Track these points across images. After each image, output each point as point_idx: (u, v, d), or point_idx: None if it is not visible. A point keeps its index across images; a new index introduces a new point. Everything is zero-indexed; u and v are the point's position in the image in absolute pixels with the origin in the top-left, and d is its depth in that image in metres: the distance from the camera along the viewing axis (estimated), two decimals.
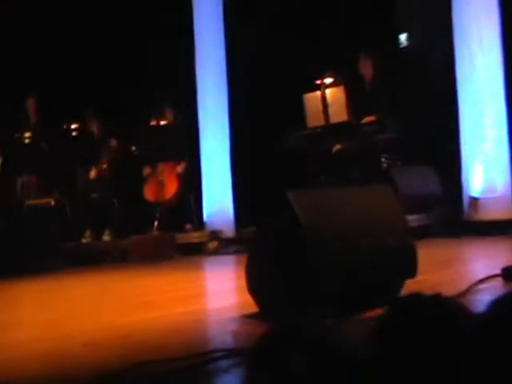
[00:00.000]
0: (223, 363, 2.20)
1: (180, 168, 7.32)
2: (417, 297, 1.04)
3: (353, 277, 2.78)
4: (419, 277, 2.85)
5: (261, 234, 3.10)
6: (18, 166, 7.17)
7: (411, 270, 2.83)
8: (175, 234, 6.86)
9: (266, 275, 2.87)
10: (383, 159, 6.23)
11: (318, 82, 6.21)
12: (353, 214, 2.90)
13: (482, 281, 3.09)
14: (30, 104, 7.58)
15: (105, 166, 7.38)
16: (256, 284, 2.89)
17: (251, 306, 2.86)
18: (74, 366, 2.27)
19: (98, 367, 2.22)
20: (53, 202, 7.31)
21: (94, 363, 2.29)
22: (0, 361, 2.40)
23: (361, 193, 3.16)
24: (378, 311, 2.66)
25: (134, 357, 2.26)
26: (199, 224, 7.35)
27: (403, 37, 7.46)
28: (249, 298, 2.87)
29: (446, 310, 1.11)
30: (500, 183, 5.92)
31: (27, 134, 7.33)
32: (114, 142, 7.44)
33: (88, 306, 3.70)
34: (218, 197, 7.40)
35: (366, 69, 6.62)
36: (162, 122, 7.39)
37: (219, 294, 4.03)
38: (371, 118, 6.29)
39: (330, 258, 2.74)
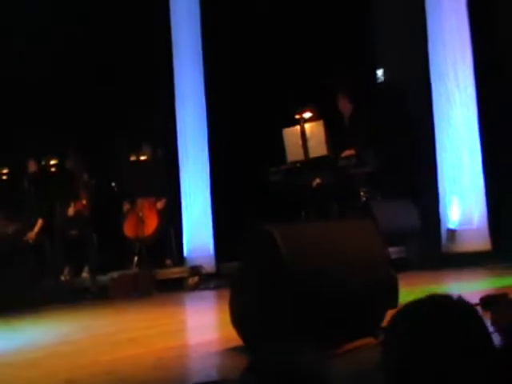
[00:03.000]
0: None
1: (160, 204, 7.29)
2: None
3: (336, 308, 2.81)
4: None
5: (244, 268, 3.11)
6: None
7: (393, 301, 2.86)
8: (155, 270, 6.82)
9: (249, 308, 2.88)
10: (362, 193, 6.27)
11: (297, 116, 6.25)
12: (336, 247, 2.93)
13: None
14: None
15: (84, 201, 7.34)
16: (240, 317, 2.89)
17: (234, 340, 2.86)
18: None
19: None
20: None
21: None
22: None
23: (344, 226, 3.20)
24: (364, 341, 2.68)
25: None
26: (179, 259, 7.32)
27: (380, 72, 7.59)
28: (231, 332, 2.87)
29: None
30: (476, 215, 6.00)
31: (5, 171, 7.31)
32: (86, 177, 7.40)
33: (70, 343, 3.65)
34: (198, 232, 7.38)
35: (345, 106, 6.68)
36: (142, 158, 7.38)
37: (201, 328, 4.01)
38: (350, 152, 6.31)
39: (313, 290, 2.76)
